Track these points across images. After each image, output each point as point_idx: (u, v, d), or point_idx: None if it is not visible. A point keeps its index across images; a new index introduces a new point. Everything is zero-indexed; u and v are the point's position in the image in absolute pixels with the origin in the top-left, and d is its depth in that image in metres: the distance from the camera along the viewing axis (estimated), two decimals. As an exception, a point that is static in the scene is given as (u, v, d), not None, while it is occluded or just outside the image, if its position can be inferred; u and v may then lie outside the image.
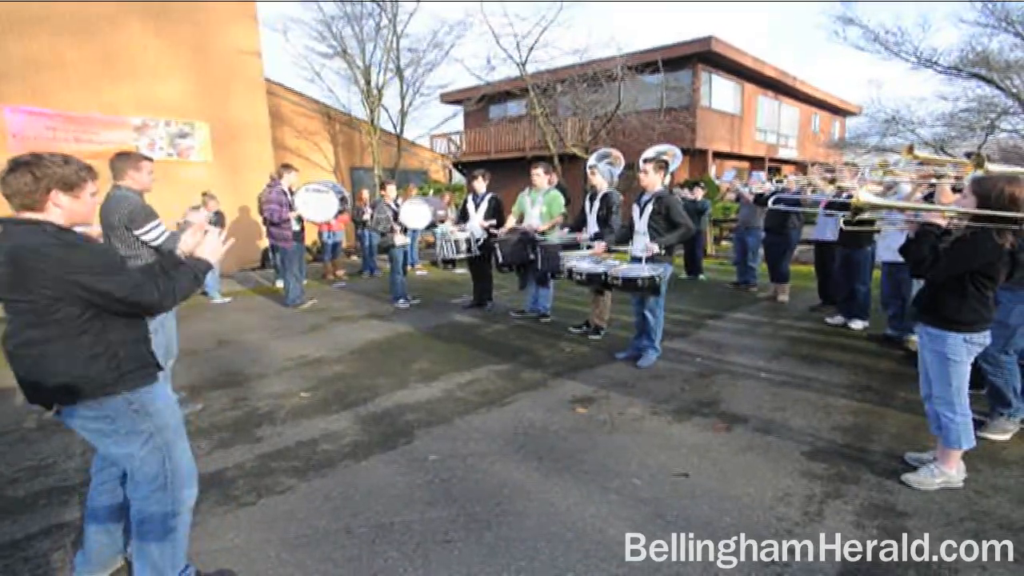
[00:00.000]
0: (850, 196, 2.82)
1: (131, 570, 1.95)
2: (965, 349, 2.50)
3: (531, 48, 13.24)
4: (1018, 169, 2.93)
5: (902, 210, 2.75)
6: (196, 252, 1.94)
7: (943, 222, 2.52)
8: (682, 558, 2.16)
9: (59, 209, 1.72)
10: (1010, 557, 2.13)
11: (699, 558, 2.16)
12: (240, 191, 10.14)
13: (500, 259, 5.78)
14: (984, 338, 2.52)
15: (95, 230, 3.25)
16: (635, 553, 2.19)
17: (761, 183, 7.43)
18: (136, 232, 3.22)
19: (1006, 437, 3.08)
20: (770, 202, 5.12)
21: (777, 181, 7.19)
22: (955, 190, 3.27)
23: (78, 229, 1.81)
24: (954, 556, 2.14)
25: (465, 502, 2.58)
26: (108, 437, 1.80)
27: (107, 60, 8.86)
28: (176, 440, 1.90)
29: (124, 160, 3.31)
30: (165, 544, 1.85)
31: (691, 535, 2.28)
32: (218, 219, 7.71)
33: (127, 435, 1.79)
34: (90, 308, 1.68)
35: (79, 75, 8.58)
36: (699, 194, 8.94)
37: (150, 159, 3.45)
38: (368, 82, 13.19)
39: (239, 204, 10.28)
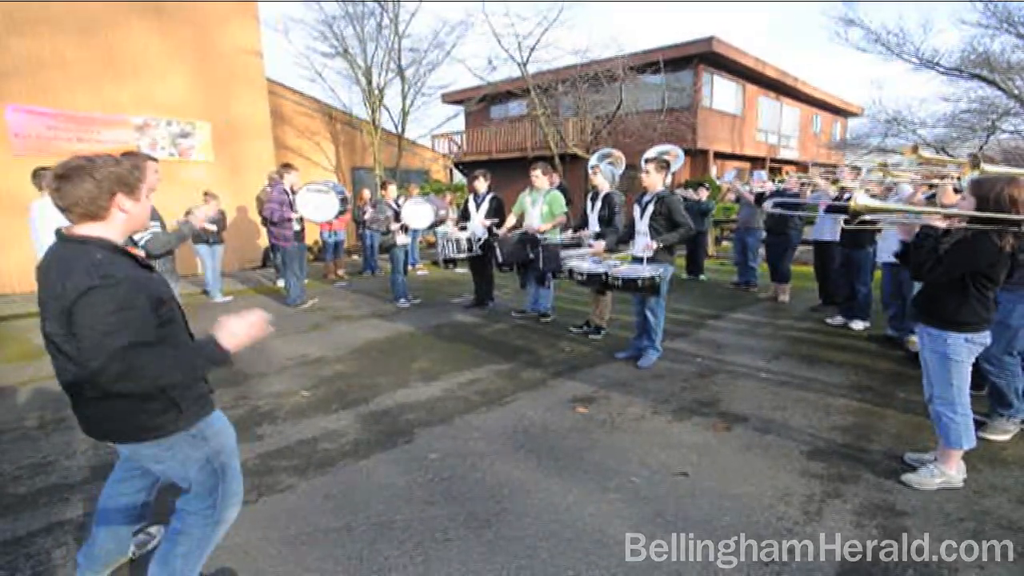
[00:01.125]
0: (849, 198, 2.82)
1: (132, 566, 1.94)
2: (966, 349, 2.51)
3: (532, 48, 13.26)
4: (1017, 170, 2.93)
5: (901, 212, 2.75)
6: (218, 335, 1.64)
7: (943, 224, 2.53)
8: (681, 557, 2.16)
9: (123, 215, 1.60)
10: (1009, 557, 2.13)
11: (698, 557, 2.16)
12: (241, 190, 10.15)
13: (500, 259, 5.79)
14: (984, 338, 2.52)
15: None
16: (634, 552, 2.19)
17: (762, 182, 7.44)
18: (138, 238, 3.23)
19: (1006, 438, 3.08)
20: (767, 205, 5.12)
21: (779, 181, 7.19)
22: (957, 191, 3.28)
23: None
24: (953, 556, 2.14)
25: (465, 501, 2.58)
26: (163, 464, 1.75)
27: (109, 59, 8.87)
28: (231, 461, 1.86)
29: (129, 160, 3.33)
30: (193, 556, 1.83)
31: (690, 534, 2.29)
32: (219, 218, 7.71)
33: (184, 461, 1.75)
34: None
35: (81, 74, 8.60)
36: (703, 195, 8.94)
37: (155, 159, 3.46)
38: (369, 82, 13.20)
39: (240, 203, 10.29)
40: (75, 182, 1.50)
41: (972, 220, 2.39)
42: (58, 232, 1.60)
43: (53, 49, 8.33)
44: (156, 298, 1.61)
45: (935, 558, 2.13)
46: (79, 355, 1.47)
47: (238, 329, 1.66)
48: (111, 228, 1.59)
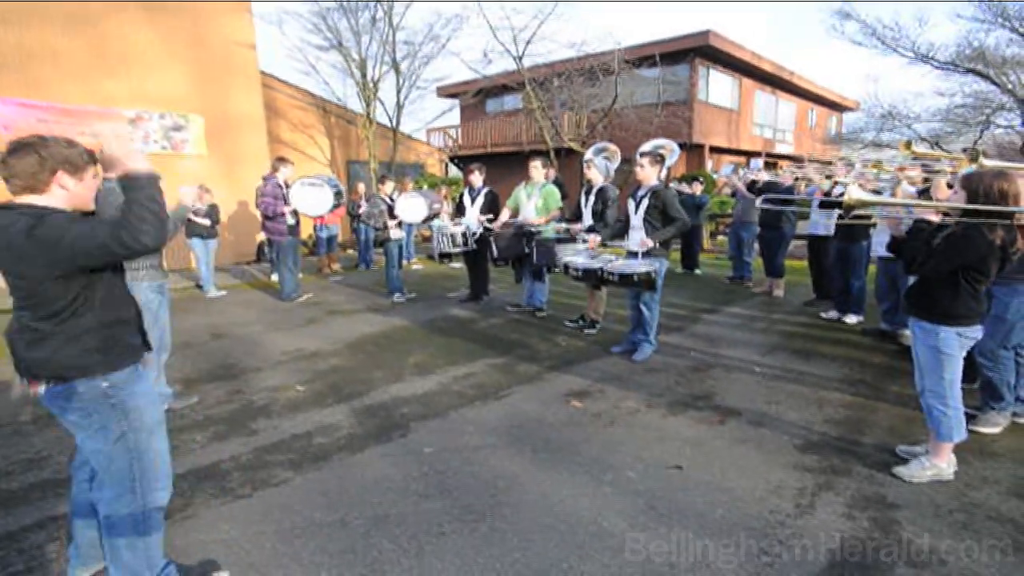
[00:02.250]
0: (842, 193, 2.83)
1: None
2: (958, 343, 2.52)
3: (528, 42, 13.18)
4: (1009, 164, 2.95)
5: (893, 207, 2.76)
6: (118, 164, 1.65)
7: (936, 218, 2.54)
8: (674, 549, 2.18)
9: (63, 192, 1.67)
10: (998, 548, 2.15)
11: (691, 550, 2.18)
12: (235, 184, 10.10)
13: (495, 253, 5.78)
14: (976, 332, 2.54)
15: None
16: (628, 546, 2.20)
17: (757, 171, 7.44)
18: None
19: (997, 431, 3.11)
20: (758, 202, 5.12)
21: (774, 174, 7.20)
22: (950, 186, 3.29)
23: None
24: (943, 547, 2.16)
25: (460, 494, 2.59)
26: (83, 430, 1.77)
27: (101, 52, 8.78)
28: (150, 443, 1.84)
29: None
30: (137, 546, 1.80)
31: (684, 527, 2.31)
32: (213, 212, 7.67)
33: (99, 430, 1.75)
34: (77, 286, 1.65)
35: (72, 67, 8.51)
36: (697, 189, 8.95)
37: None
38: (364, 75, 13.12)
39: (234, 198, 10.24)
40: (21, 155, 1.61)
41: (964, 213, 2.40)
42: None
43: (43, 41, 8.24)
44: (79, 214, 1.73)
45: (925, 549, 2.16)
46: (98, 250, 1.58)
47: (125, 149, 1.67)
48: (50, 201, 1.66)
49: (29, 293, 1.65)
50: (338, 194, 6.85)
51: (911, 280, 2.86)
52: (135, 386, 1.82)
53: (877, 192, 4.32)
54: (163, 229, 1.62)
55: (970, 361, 3.10)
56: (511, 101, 18.06)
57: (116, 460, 1.78)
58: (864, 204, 2.56)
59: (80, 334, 1.69)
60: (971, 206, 2.35)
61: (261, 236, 9.50)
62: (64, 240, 1.56)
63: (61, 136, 1.69)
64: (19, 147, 1.62)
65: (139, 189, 1.59)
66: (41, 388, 1.71)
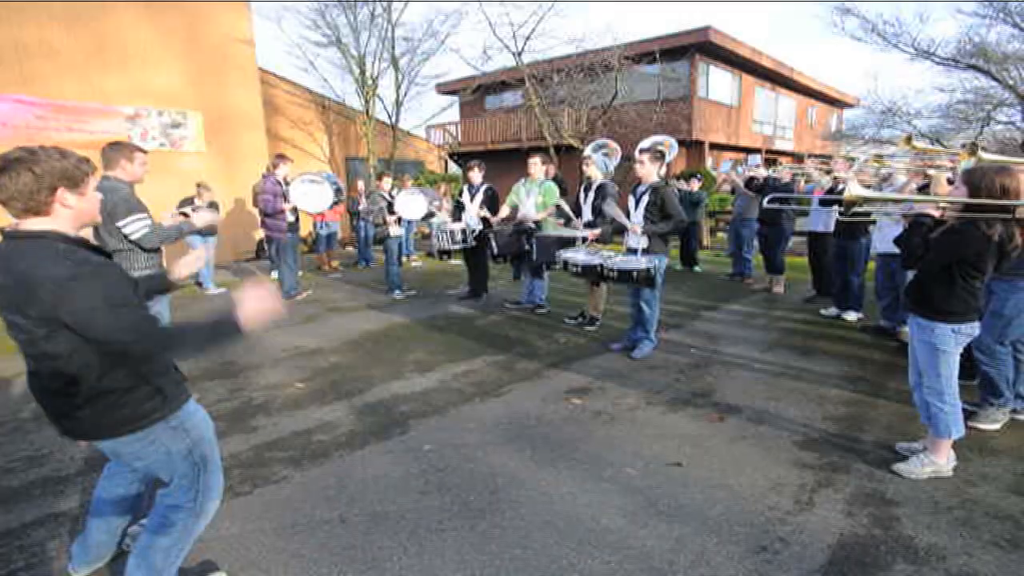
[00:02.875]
0: (843, 189, 2.83)
1: (123, 560, 1.94)
2: (953, 339, 2.53)
3: (527, 38, 13.15)
4: (1010, 159, 2.94)
5: (894, 202, 2.76)
6: (237, 311, 1.60)
7: (936, 213, 2.54)
8: (674, 546, 2.18)
9: (67, 211, 1.53)
10: (997, 544, 2.16)
11: (691, 546, 2.18)
12: (234, 181, 10.08)
13: (495, 250, 5.77)
14: (973, 328, 2.54)
15: None
16: (627, 542, 2.21)
17: (755, 167, 7.42)
18: (117, 224, 3.14)
19: (996, 427, 3.11)
20: (764, 201, 5.12)
21: (773, 171, 7.19)
22: (950, 182, 3.29)
23: None
24: (942, 543, 2.17)
25: (459, 491, 2.59)
26: (145, 459, 1.73)
27: (98, 48, 8.75)
28: (211, 453, 1.85)
29: (117, 150, 3.26)
30: (172, 552, 1.82)
31: (684, 524, 2.31)
32: (212, 210, 7.65)
33: (166, 454, 1.73)
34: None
35: (70, 63, 8.48)
36: (695, 186, 8.94)
37: (144, 151, 3.40)
38: (363, 71, 13.09)
39: (233, 195, 10.22)
40: (12, 174, 1.44)
41: (964, 208, 2.40)
42: (2, 231, 1.54)
43: (41, 38, 8.21)
44: (130, 279, 1.65)
45: (924, 546, 2.16)
46: (101, 337, 1.46)
47: (256, 306, 1.63)
48: (58, 223, 1.53)
49: (29, 341, 1.50)
50: (338, 191, 6.84)
51: (910, 277, 2.85)
52: (188, 405, 1.80)
53: (871, 186, 4.32)
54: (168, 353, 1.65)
55: (970, 357, 3.11)
56: (511, 98, 18.00)
57: (185, 475, 1.79)
58: (864, 200, 2.56)
59: (130, 387, 1.60)
60: (972, 200, 2.35)
61: (260, 233, 9.49)
62: (88, 312, 1.43)
63: (52, 146, 1.53)
64: (8, 165, 1.44)
65: (220, 335, 1.63)
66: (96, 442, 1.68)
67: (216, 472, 1.89)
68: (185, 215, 3.83)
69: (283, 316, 1.71)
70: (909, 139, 3.71)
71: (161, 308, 3.43)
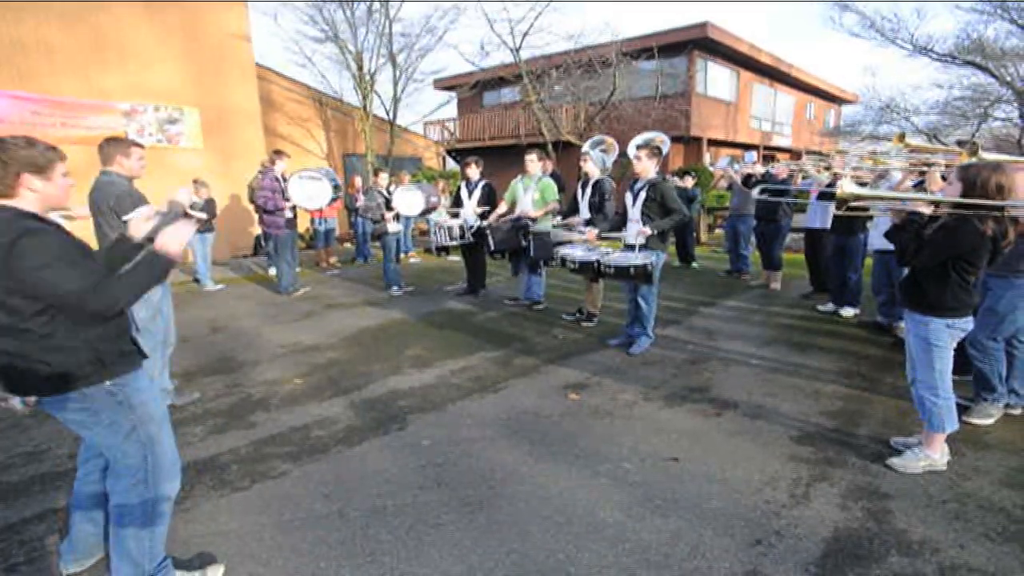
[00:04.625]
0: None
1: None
2: (948, 334, 2.55)
3: (525, 33, 13.10)
4: (1005, 157, 2.96)
5: (887, 199, 2.77)
6: (158, 239, 1.76)
7: (928, 210, 2.55)
8: (671, 540, 2.20)
9: (32, 194, 1.66)
10: (989, 536, 2.18)
11: (687, 540, 2.20)
12: (231, 178, 10.05)
13: (492, 246, 5.78)
14: (967, 324, 2.56)
15: (83, 214, 3.20)
16: (624, 536, 2.23)
17: (752, 164, 7.43)
18: (124, 219, 3.17)
19: (989, 422, 3.14)
20: (755, 192, 5.12)
21: (770, 167, 7.20)
22: (944, 179, 3.30)
23: (53, 215, 1.78)
24: (936, 536, 2.19)
25: (457, 486, 2.61)
26: (90, 429, 1.78)
27: (94, 44, 8.71)
28: (159, 434, 1.87)
29: (114, 146, 3.26)
30: (143, 536, 1.83)
31: (680, 518, 2.33)
32: (209, 206, 7.64)
33: (109, 426, 1.76)
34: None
35: (66, 59, 8.44)
36: (689, 182, 8.95)
37: (141, 145, 3.40)
38: (360, 68, 13.03)
39: (231, 191, 10.19)
40: None
41: (957, 205, 2.41)
42: None
43: (37, 34, 8.17)
44: (82, 245, 1.71)
45: (918, 539, 2.18)
46: (50, 292, 1.56)
47: (170, 233, 1.76)
48: (21, 203, 1.65)
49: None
50: (335, 187, 6.83)
51: (906, 273, 2.87)
52: (138, 382, 1.84)
53: (880, 176, 4.32)
54: (131, 303, 1.69)
55: (964, 352, 3.13)
56: (508, 94, 17.98)
57: (129, 454, 1.81)
58: (857, 198, 2.57)
59: (69, 350, 1.66)
60: (965, 200, 2.37)
61: (258, 229, 9.48)
62: (36, 271, 1.54)
63: (20, 136, 1.67)
64: None
65: (155, 269, 1.72)
66: (17, 402, 1.74)
67: (168, 452, 1.90)
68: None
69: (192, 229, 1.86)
70: (902, 137, 3.72)
71: (164, 305, 3.43)
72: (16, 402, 1.75)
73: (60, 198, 1.76)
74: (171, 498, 1.93)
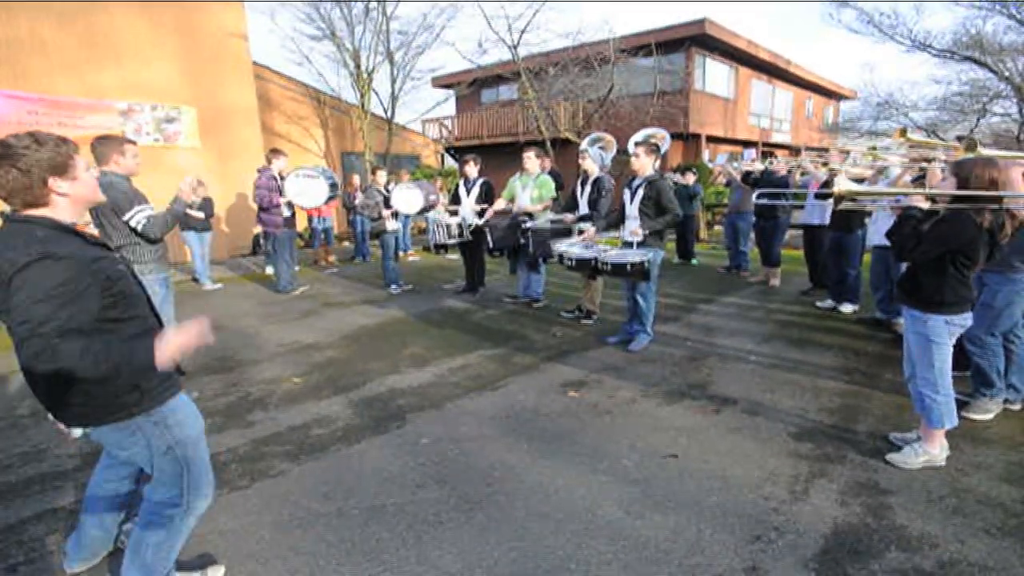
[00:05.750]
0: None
1: (120, 557, 1.95)
2: (947, 330, 2.54)
3: (523, 31, 13.06)
4: (1003, 153, 2.95)
5: (884, 196, 2.77)
6: (159, 343, 1.51)
7: (925, 204, 2.55)
8: (670, 536, 2.20)
9: (63, 199, 1.54)
10: (988, 532, 2.18)
11: (687, 536, 2.20)
12: (229, 177, 10.03)
13: (491, 243, 5.77)
14: (965, 319, 2.56)
15: (82, 221, 3.19)
16: (624, 532, 2.23)
17: (750, 161, 7.42)
18: (123, 218, 3.18)
19: (988, 417, 3.14)
20: (754, 196, 5.13)
21: (768, 163, 7.19)
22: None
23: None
24: (934, 531, 2.19)
25: (456, 484, 2.60)
26: (126, 449, 1.74)
27: (90, 43, 8.67)
28: (196, 452, 1.83)
29: (107, 144, 3.25)
30: (163, 547, 1.82)
31: (679, 514, 2.33)
32: (207, 205, 7.63)
33: (147, 447, 1.73)
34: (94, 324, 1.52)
35: (62, 58, 8.41)
36: (690, 179, 8.94)
37: (133, 142, 3.39)
38: (358, 65, 13.00)
39: (229, 190, 10.17)
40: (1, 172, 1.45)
41: (955, 199, 2.42)
42: (3, 214, 1.56)
43: (32, 33, 8.13)
44: (106, 276, 1.57)
45: (917, 534, 2.18)
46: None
47: (175, 342, 1.54)
48: (56, 212, 1.55)
49: (9, 328, 1.47)
50: (333, 185, 6.82)
51: (903, 267, 2.87)
52: (175, 401, 1.79)
53: (862, 180, 4.32)
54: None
55: (963, 348, 3.13)
56: (506, 92, 17.94)
57: (167, 470, 1.78)
58: (854, 195, 2.57)
59: (107, 380, 1.57)
60: (961, 192, 2.37)
61: (257, 228, 9.47)
62: (25, 299, 1.40)
63: (23, 134, 1.50)
64: None
65: (140, 366, 1.50)
66: (77, 432, 1.68)
67: (204, 471, 1.87)
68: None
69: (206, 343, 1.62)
70: (903, 132, 3.71)
71: (166, 305, 3.43)
72: (77, 432, 1.70)
73: (91, 194, 1.65)
74: (201, 514, 1.90)
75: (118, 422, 1.65)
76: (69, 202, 1.57)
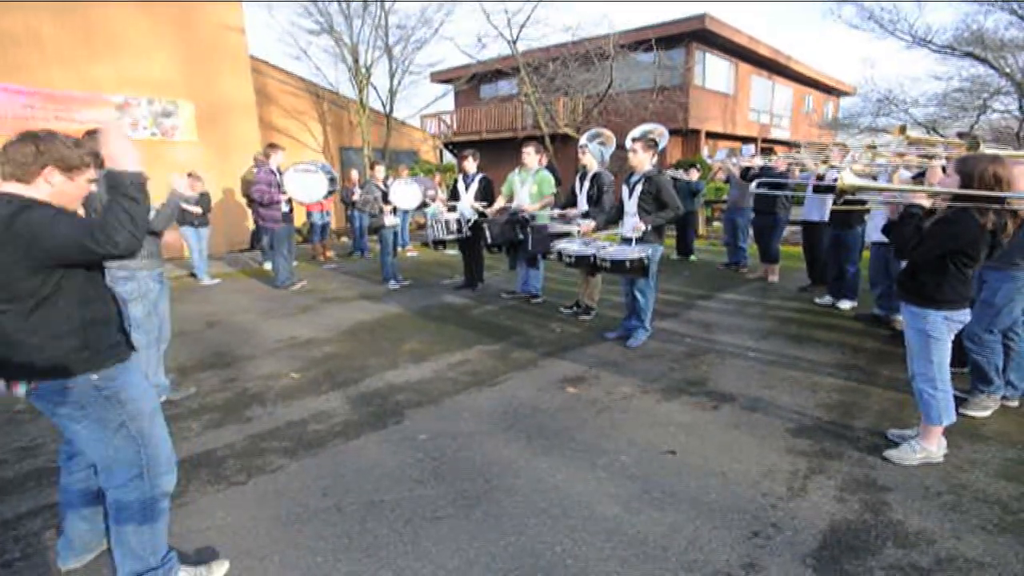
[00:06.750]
0: (836, 178, 2.83)
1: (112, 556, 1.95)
2: (945, 327, 2.54)
3: (522, 25, 13.04)
4: (1011, 153, 2.94)
5: (887, 191, 2.76)
6: (106, 160, 1.62)
7: (927, 203, 2.54)
8: (668, 532, 2.20)
9: (48, 187, 1.64)
10: (985, 528, 2.19)
11: (685, 532, 2.20)
12: (227, 171, 9.97)
13: (489, 239, 5.76)
14: (964, 316, 2.56)
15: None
16: (622, 528, 2.23)
17: (749, 157, 7.40)
18: None
19: (986, 414, 3.14)
20: (752, 186, 5.11)
21: (767, 160, 7.17)
22: (944, 170, 3.28)
23: None
24: (932, 528, 2.19)
25: (455, 480, 2.60)
26: (78, 423, 1.73)
27: (86, 36, 8.61)
28: (151, 428, 1.83)
29: (96, 140, 3.22)
30: (144, 532, 1.81)
31: (678, 510, 2.33)
32: (204, 200, 7.59)
33: (96, 422, 1.73)
34: (52, 283, 1.60)
35: (57, 51, 8.34)
36: (693, 175, 8.92)
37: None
38: (356, 60, 12.95)
39: (226, 185, 10.12)
40: (20, 144, 1.60)
41: (956, 198, 2.40)
42: None
43: (27, 26, 8.07)
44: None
45: (914, 530, 2.18)
46: (64, 240, 1.54)
47: (116, 145, 1.63)
48: (31, 191, 1.63)
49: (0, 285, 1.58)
50: (332, 180, 6.80)
51: (903, 265, 2.86)
52: (126, 376, 1.80)
53: (873, 177, 4.31)
54: (139, 233, 1.59)
55: (961, 345, 3.13)
56: (505, 87, 17.88)
57: (122, 449, 1.77)
58: (857, 189, 2.56)
59: (58, 335, 1.64)
60: (964, 191, 2.35)
61: (251, 224, 9.44)
62: (44, 234, 1.53)
63: (69, 135, 1.68)
64: (24, 136, 1.62)
65: (119, 188, 1.58)
66: (21, 389, 1.68)
67: (161, 445, 1.86)
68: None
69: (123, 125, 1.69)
70: (903, 129, 3.71)
71: (161, 300, 3.41)
72: (22, 390, 1.71)
73: (73, 200, 1.73)
74: (169, 491, 1.90)
75: (66, 378, 1.67)
76: (50, 192, 1.65)
